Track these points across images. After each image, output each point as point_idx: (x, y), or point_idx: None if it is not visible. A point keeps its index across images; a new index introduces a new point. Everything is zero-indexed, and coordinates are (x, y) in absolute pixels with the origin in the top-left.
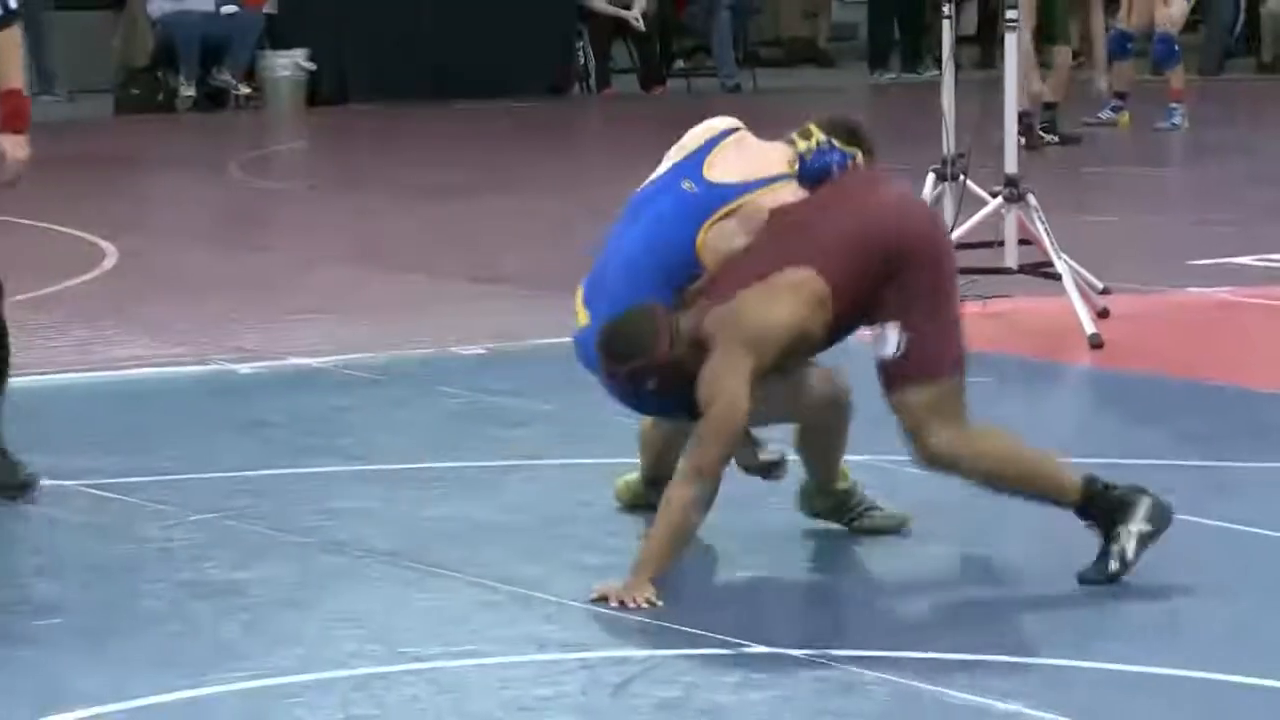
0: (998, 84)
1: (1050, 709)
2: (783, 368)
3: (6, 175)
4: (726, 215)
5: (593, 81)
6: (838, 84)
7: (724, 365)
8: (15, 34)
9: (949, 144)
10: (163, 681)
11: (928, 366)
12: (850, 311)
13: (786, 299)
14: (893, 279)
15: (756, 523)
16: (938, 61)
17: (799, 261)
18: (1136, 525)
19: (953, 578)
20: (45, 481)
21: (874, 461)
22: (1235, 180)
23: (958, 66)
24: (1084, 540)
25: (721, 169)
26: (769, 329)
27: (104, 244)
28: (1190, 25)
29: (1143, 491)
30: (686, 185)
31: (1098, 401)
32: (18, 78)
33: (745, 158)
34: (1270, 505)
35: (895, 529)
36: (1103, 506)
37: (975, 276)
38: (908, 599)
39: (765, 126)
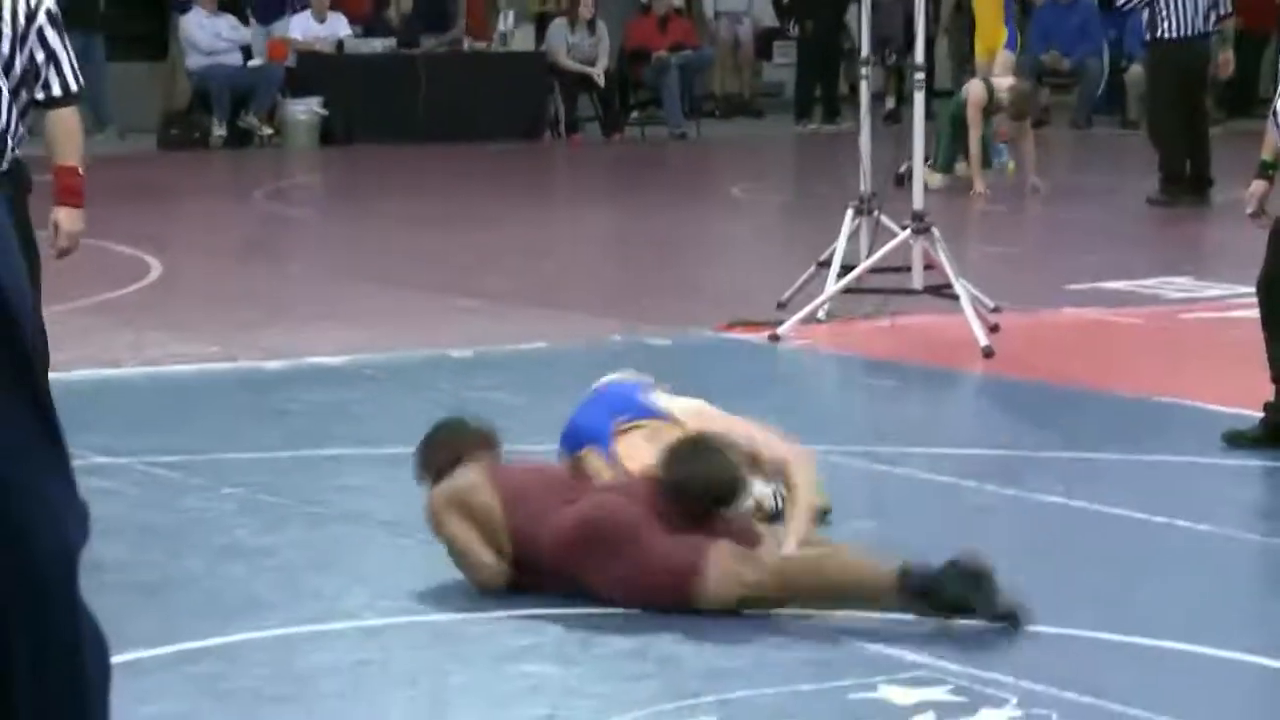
0: (907, 133)
1: (954, 659)
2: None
3: (60, 244)
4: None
5: (562, 129)
6: (768, 133)
7: None
8: (73, 114)
9: (865, 184)
10: (203, 629)
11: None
12: None
13: None
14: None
15: None
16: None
17: None
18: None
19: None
20: (101, 459)
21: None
22: (1105, 218)
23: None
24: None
25: None
26: None
27: (149, 259)
28: (1065, 86)
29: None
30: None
31: (989, 403)
32: (73, 155)
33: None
34: (1132, 490)
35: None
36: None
37: (887, 296)
38: None
39: (708, 167)
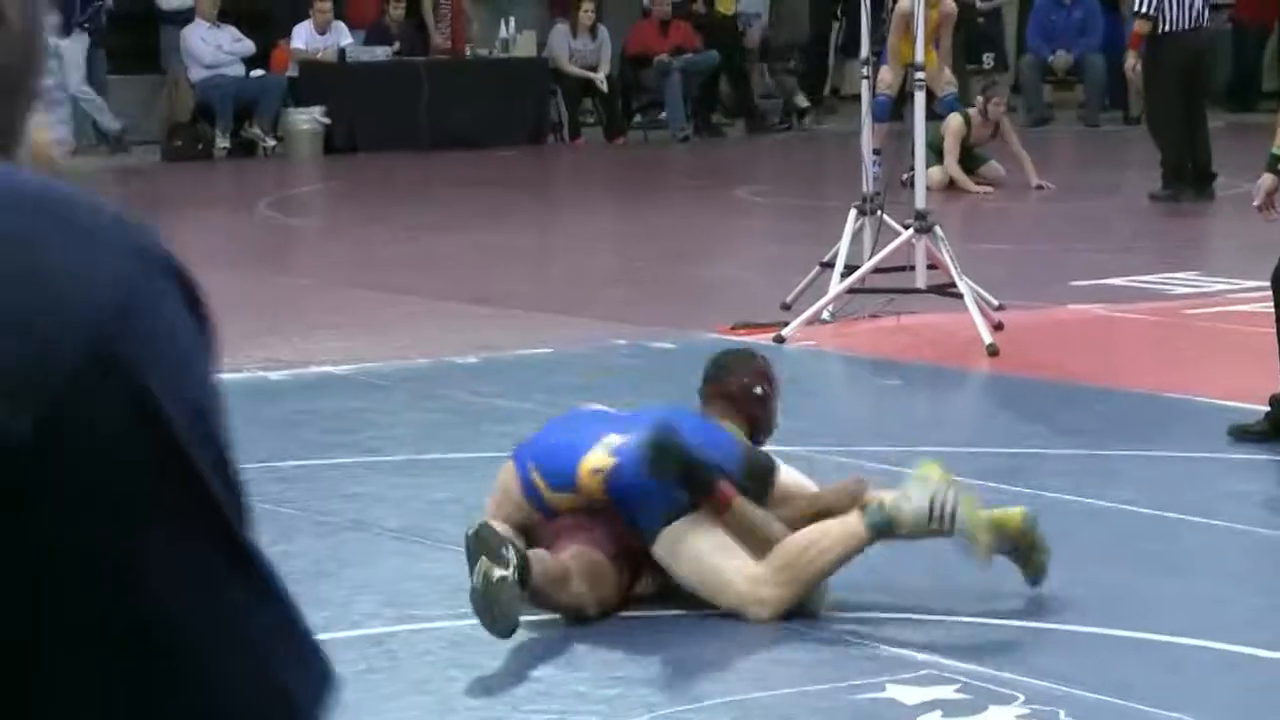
0: (908, 134)
1: (961, 658)
2: None
3: None
4: None
5: (565, 133)
6: (771, 135)
7: None
8: None
9: (868, 184)
10: None
11: None
12: None
13: None
14: None
15: None
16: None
17: None
18: None
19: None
20: None
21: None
22: (1108, 214)
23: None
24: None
25: None
26: None
27: None
28: (1070, 84)
29: None
30: None
31: (994, 401)
32: None
33: None
34: (1139, 486)
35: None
36: None
37: (891, 295)
38: None
39: (711, 169)
